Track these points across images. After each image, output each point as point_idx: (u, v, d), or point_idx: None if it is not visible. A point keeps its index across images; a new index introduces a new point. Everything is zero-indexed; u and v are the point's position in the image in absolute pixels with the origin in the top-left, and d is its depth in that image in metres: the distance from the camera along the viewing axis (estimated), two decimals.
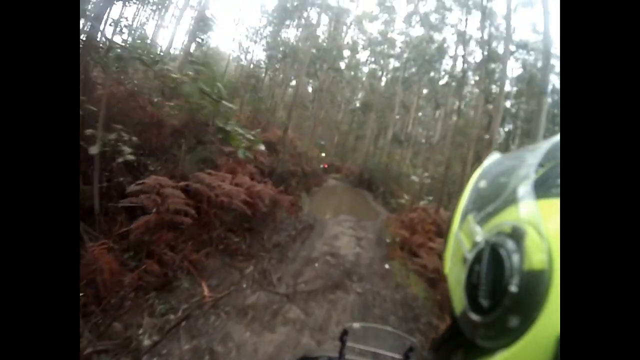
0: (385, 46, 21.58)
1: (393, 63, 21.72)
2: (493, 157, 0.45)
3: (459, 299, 0.32)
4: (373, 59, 23.48)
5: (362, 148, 21.55)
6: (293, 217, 7.65)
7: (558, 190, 0.29)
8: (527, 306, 0.24)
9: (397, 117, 18.23)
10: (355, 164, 20.23)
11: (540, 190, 0.30)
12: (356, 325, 0.97)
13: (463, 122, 13.61)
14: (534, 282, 0.25)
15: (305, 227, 7.29)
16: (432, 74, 17.74)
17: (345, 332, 0.90)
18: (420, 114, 24.41)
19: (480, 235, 0.33)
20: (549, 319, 0.23)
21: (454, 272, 0.36)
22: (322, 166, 16.44)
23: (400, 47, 19.98)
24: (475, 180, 0.43)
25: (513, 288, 0.25)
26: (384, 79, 23.09)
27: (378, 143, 20.26)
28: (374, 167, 16.39)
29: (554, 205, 0.28)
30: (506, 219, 0.31)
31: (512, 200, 0.31)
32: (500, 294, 0.26)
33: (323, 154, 18.70)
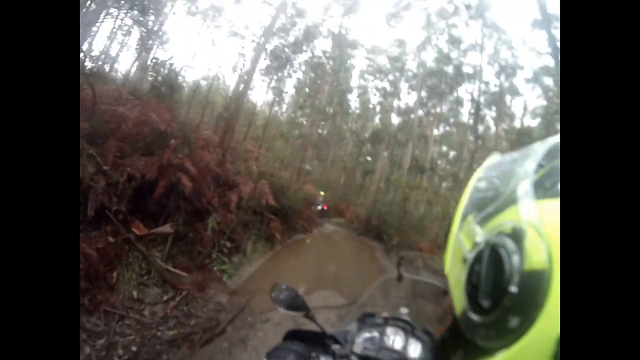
0: (397, 74, 18.67)
1: (406, 91, 18.64)
2: (493, 158, 0.44)
3: (459, 299, 0.32)
4: (382, 91, 20.53)
5: (371, 186, 17.22)
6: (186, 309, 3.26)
7: (558, 190, 0.28)
8: (527, 306, 0.24)
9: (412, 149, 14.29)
10: (362, 207, 15.70)
11: (540, 190, 0.30)
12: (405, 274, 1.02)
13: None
14: (534, 283, 0.24)
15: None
16: (455, 95, 14.35)
17: (401, 258, 1.08)
18: (443, 148, 20.49)
19: (481, 235, 0.32)
20: (549, 319, 0.23)
21: (454, 273, 0.36)
22: (319, 207, 12.31)
23: (412, 74, 17.07)
24: (475, 181, 0.42)
25: (513, 288, 0.25)
26: (395, 107, 19.72)
27: (391, 178, 15.87)
28: (386, 209, 12.02)
29: (554, 205, 0.27)
30: (506, 219, 0.30)
31: (512, 200, 0.31)
32: (500, 294, 0.26)
33: (322, 193, 14.38)
